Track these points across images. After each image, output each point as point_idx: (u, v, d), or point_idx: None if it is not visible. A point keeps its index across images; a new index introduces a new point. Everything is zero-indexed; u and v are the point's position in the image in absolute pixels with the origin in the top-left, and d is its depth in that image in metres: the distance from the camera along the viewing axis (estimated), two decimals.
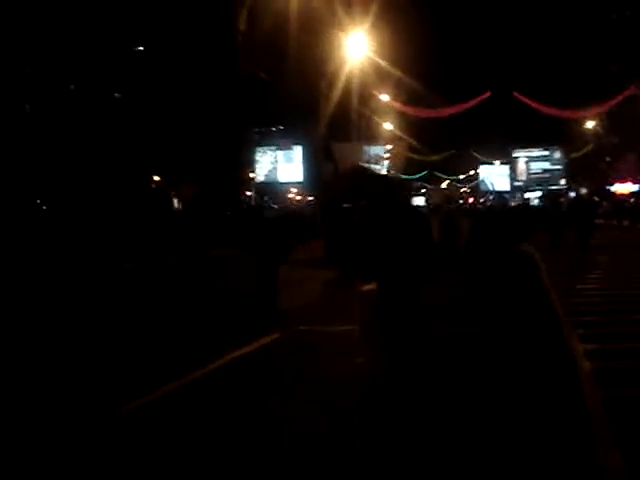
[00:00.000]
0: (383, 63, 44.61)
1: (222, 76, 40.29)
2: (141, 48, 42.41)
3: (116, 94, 40.88)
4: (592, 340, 9.37)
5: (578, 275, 17.82)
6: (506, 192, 75.83)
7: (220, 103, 41.59)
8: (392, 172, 50.38)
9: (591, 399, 6.64)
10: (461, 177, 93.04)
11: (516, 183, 75.74)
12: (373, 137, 54.12)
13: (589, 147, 65.11)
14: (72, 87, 37.28)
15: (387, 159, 56.80)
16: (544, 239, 27.08)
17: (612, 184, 60.44)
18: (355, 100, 44.12)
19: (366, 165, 44.48)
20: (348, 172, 10.21)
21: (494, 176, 79.11)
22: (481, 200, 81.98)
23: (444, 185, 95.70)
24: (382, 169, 50.25)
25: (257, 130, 58.17)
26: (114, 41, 37.44)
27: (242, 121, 45.03)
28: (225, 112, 43.68)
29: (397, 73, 47.75)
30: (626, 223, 45.00)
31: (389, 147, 58.19)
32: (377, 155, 55.02)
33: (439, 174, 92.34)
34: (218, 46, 39.94)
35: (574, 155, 69.63)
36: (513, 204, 44.83)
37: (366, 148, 52.57)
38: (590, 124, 60.33)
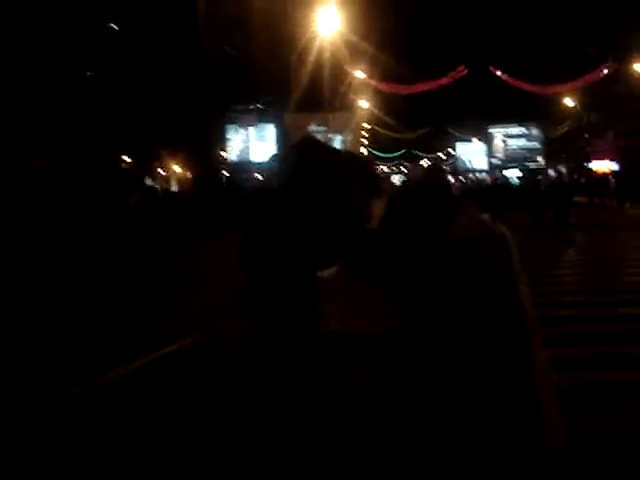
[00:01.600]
0: (356, 39, 43.78)
1: (185, 51, 39.16)
2: (114, 26, 41.55)
3: (88, 72, 40.14)
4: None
5: (552, 259, 16.80)
6: (483, 170, 75.28)
7: (183, 79, 40.51)
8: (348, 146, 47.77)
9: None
10: (441, 155, 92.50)
11: (493, 160, 74.79)
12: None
13: (567, 124, 64.39)
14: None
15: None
16: (524, 218, 26.45)
17: (590, 162, 59.75)
18: (327, 76, 43.16)
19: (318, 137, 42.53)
20: (298, 146, 9.24)
21: (471, 154, 78.31)
22: (460, 178, 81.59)
23: (423, 163, 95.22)
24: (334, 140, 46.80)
25: (235, 108, 56.93)
26: (86, 19, 36.50)
27: (205, 97, 43.85)
28: (189, 88, 42.59)
29: (371, 49, 46.98)
30: (610, 202, 44.28)
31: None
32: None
33: (417, 152, 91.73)
34: (179, 20, 38.83)
35: (556, 133, 68.98)
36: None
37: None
38: (569, 102, 59.54)
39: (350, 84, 53.25)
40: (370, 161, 20.18)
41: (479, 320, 9.37)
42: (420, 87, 52.21)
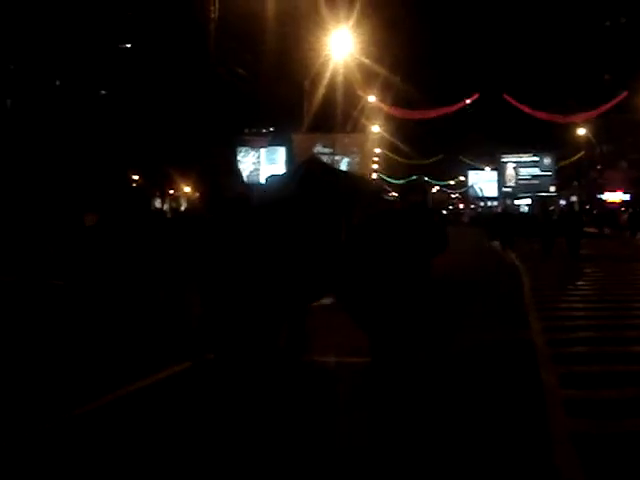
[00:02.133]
0: (369, 63, 43.65)
1: (197, 73, 39.10)
2: (128, 45, 41.66)
3: (102, 91, 40.22)
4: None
5: (563, 292, 16.23)
6: (494, 198, 74.90)
7: (195, 100, 40.47)
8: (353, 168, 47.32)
9: None
10: (451, 183, 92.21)
11: (505, 189, 74.49)
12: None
13: (580, 154, 64.00)
14: (57, 83, 36.66)
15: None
16: (534, 247, 26.24)
17: (603, 192, 59.29)
18: (339, 100, 42.89)
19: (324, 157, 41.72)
20: (302, 166, 8.89)
21: (483, 182, 78.07)
22: (471, 206, 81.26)
23: (434, 190, 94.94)
24: (340, 162, 46.96)
25: (247, 131, 57.03)
26: (100, 38, 36.55)
27: (217, 118, 43.67)
28: (200, 109, 42.55)
29: (384, 74, 46.85)
30: (621, 234, 43.62)
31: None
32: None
33: (428, 179, 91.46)
34: (191, 41, 38.82)
35: (564, 162, 68.60)
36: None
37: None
38: (582, 131, 59.16)
39: (363, 108, 53.02)
40: (373, 184, 19.57)
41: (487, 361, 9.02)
42: (432, 113, 51.89)
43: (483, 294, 15.22)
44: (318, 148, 47.37)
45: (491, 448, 5.71)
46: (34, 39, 32.96)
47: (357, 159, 51.88)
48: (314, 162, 7.58)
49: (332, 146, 48.03)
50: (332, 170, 12.30)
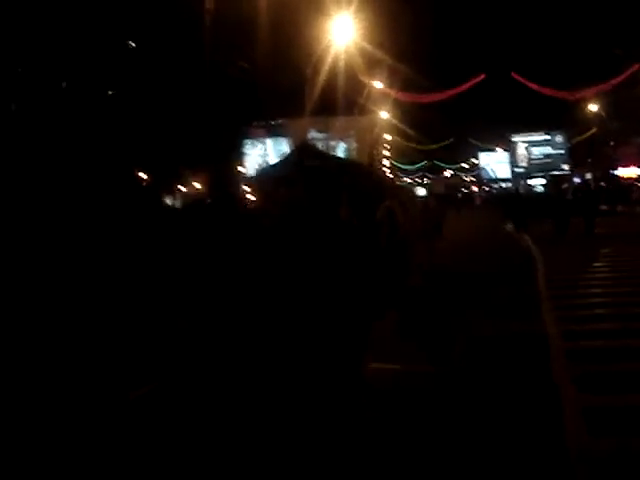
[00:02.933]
0: (372, 48, 42.82)
1: (199, 66, 38.56)
2: (133, 44, 41.24)
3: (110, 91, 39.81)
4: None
5: (580, 276, 15.24)
6: (507, 179, 73.94)
7: (198, 94, 40.01)
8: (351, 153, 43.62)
9: None
10: (465, 166, 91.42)
11: (517, 170, 73.44)
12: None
13: (593, 131, 62.90)
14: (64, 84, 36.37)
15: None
16: (548, 228, 25.38)
17: (616, 168, 58.30)
18: (343, 86, 42.09)
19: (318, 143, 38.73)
20: (292, 153, 8.48)
21: (494, 163, 77.20)
22: (485, 188, 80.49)
23: (447, 174, 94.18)
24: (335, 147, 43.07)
25: (256, 124, 56.50)
26: (107, 37, 36.18)
27: (222, 111, 43.15)
28: (205, 104, 42.14)
29: (388, 59, 45.99)
30: (633, 210, 42.43)
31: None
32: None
33: (440, 163, 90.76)
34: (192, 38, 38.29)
35: (577, 139, 67.54)
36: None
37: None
38: (593, 107, 58.15)
39: (369, 95, 52.16)
40: (370, 171, 19.05)
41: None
42: (439, 96, 50.93)
43: (493, 283, 14.35)
44: (313, 133, 43.92)
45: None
46: (39, 41, 32.62)
47: (354, 144, 47.56)
48: (304, 149, 7.04)
49: (327, 130, 45.27)
50: (322, 155, 11.94)
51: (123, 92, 39.48)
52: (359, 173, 14.88)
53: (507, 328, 9.93)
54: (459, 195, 70.73)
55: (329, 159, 15.89)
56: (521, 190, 51.15)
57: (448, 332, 9.48)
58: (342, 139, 46.02)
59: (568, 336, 9.15)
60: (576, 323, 9.98)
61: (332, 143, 41.20)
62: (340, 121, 45.88)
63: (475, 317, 10.63)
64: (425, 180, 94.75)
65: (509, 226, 29.90)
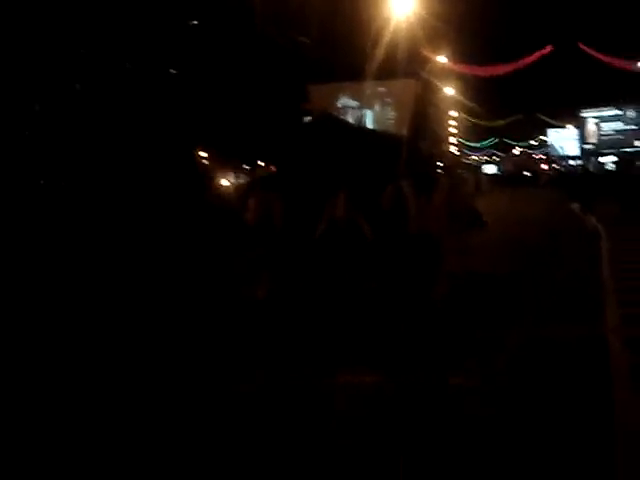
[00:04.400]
0: (435, 20, 41.65)
1: (258, 44, 38.15)
2: (195, 22, 41.05)
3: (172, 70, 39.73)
4: None
5: None
6: (577, 157, 71.72)
7: (258, 71, 39.70)
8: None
9: None
10: (533, 143, 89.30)
11: (586, 146, 71.12)
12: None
13: None
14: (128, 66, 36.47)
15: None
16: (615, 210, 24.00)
17: None
18: (404, 60, 40.86)
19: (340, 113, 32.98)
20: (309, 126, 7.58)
21: (563, 140, 75.03)
22: (554, 166, 78.44)
23: (517, 152, 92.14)
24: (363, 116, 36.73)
25: None
26: (169, 16, 36.16)
27: (282, 88, 42.57)
28: (265, 81, 41.88)
29: (451, 32, 44.75)
30: None
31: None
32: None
33: (508, 141, 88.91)
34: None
35: None
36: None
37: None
38: None
39: (431, 69, 50.86)
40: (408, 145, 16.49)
41: None
42: (504, 68, 49.21)
43: (548, 274, 12.58)
44: (343, 100, 36.78)
45: None
46: (102, 23, 32.67)
47: (392, 112, 39.49)
48: (322, 120, 6.36)
49: (358, 97, 38.42)
50: (343, 127, 11.24)
51: (186, 71, 39.31)
52: (389, 147, 13.46)
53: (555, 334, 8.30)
54: (526, 174, 68.88)
55: (350, 134, 14.60)
56: (591, 168, 49.43)
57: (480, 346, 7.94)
58: (376, 107, 39.25)
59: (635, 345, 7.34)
60: None
61: (367, 112, 34.86)
62: (378, 86, 38.96)
63: (520, 324, 9.02)
64: (494, 158, 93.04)
65: (575, 206, 28.53)
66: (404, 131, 24.64)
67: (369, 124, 27.47)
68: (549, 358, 7.23)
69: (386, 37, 37.47)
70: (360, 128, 20.78)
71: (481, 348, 7.62)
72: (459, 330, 8.27)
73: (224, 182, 44.49)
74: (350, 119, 23.43)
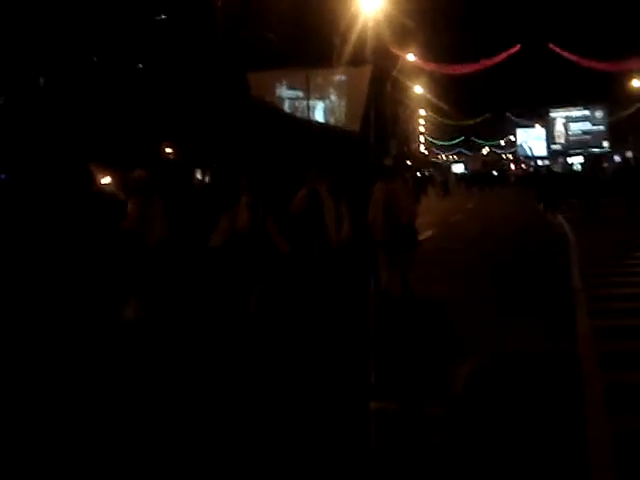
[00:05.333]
0: (404, 18, 41.27)
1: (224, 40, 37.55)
2: (163, 16, 40.43)
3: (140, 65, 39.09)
4: None
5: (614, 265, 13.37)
6: (545, 157, 71.81)
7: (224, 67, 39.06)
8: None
9: None
10: (502, 143, 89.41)
11: (554, 147, 71.24)
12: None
13: (636, 106, 60.48)
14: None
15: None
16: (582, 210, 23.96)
17: None
18: (372, 59, 40.47)
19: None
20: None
21: (532, 140, 75.11)
22: (522, 166, 78.57)
23: (484, 152, 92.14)
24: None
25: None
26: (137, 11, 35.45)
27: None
28: (231, 76, 41.14)
29: (420, 30, 44.41)
30: None
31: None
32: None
33: (477, 140, 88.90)
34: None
35: (618, 115, 65.14)
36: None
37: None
38: (636, 82, 55.86)
39: (400, 68, 50.47)
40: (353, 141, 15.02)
41: None
42: (473, 67, 48.97)
43: (517, 280, 12.17)
44: (282, 90, 33.17)
45: None
46: (70, 16, 31.99)
47: (343, 103, 37.59)
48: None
49: (304, 86, 35.67)
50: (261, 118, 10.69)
51: (153, 66, 38.68)
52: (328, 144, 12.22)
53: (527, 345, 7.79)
54: (494, 173, 68.78)
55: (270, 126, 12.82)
56: (558, 169, 49.41)
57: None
58: (324, 98, 36.61)
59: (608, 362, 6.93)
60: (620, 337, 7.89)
61: (312, 103, 32.36)
62: (325, 74, 36.73)
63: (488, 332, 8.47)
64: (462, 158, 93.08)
65: (541, 207, 28.30)
66: (356, 126, 23.08)
67: (319, 117, 25.82)
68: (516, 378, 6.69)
69: (351, 30, 36.94)
70: (290, 120, 19.11)
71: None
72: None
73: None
74: (289, 110, 21.63)
